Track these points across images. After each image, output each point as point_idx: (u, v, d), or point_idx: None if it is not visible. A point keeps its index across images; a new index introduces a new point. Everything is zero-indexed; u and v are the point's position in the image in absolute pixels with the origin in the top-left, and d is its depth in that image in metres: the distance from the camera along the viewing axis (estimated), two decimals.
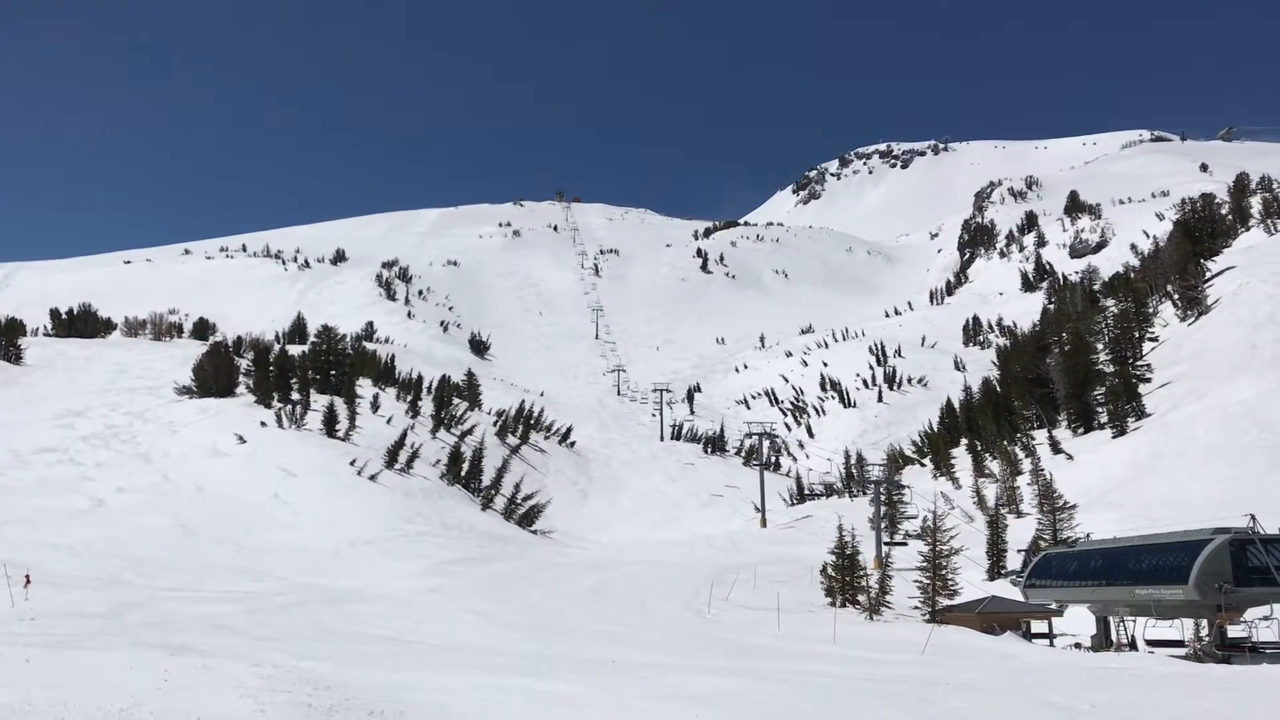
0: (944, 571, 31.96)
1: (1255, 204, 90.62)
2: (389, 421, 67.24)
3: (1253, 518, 25.08)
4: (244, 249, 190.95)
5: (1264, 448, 46.47)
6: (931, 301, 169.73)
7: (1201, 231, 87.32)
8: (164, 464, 54.10)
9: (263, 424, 60.90)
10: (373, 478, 55.64)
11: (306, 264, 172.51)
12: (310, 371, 71.97)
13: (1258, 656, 23.45)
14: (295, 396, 66.33)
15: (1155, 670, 21.02)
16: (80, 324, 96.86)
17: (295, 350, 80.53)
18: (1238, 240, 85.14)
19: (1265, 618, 24.67)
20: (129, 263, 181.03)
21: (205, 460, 54.96)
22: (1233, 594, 23.81)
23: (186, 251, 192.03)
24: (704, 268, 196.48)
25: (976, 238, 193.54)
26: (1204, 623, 24.89)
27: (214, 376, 68.51)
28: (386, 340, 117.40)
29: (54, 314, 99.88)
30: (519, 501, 62.09)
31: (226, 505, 49.21)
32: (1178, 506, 40.54)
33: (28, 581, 30.51)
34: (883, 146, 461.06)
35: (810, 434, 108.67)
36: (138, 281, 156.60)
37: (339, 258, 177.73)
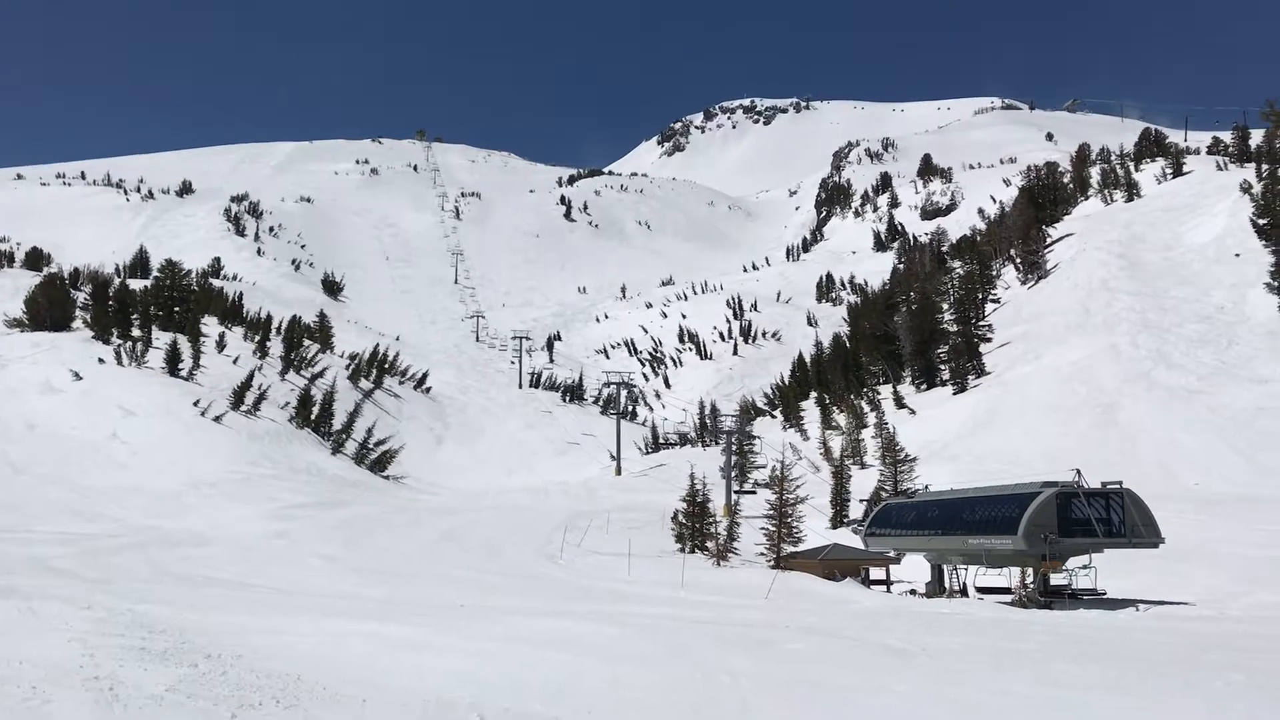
0: (790, 519, 32.82)
1: (1095, 174, 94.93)
2: (236, 361, 65.09)
3: (1078, 472, 26.44)
4: (83, 176, 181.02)
5: (1092, 406, 49.09)
6: (788, 258, 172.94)
7: (1044, 199, 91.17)
8: None
9: (100, 360, 58.22)
10: (218, 419, 53.84)
11: (150, 195, 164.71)
12: (153, 307, 69.03)
13: (1076, 602, 24.87)
14: (136, 333, 63.55)
15: (983, 615, 22.08)
16: None
17: (137, 285, 77.04)
18: (1077, 208, 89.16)
19: (1085, 567, 26.13)
20: None
21: (37, 397, 52.26)
22: (1057, 544, 25.13)
23: (19, 176, 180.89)
24: (567, 215, 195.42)
25: (833, 196, 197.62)
26: (1030, 571, 26.24)
27: (48, 309, 65.03)
28: (235, 277, 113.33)
29: None
30: (371, 446, 61.06)
31: (60, 444, 46.96)
32: (1012, 461, 42.60)
33: None
34: (747, 102, 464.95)
35: (667, 384, 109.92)
36: None
37: (185, 189, 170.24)
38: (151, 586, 21.44)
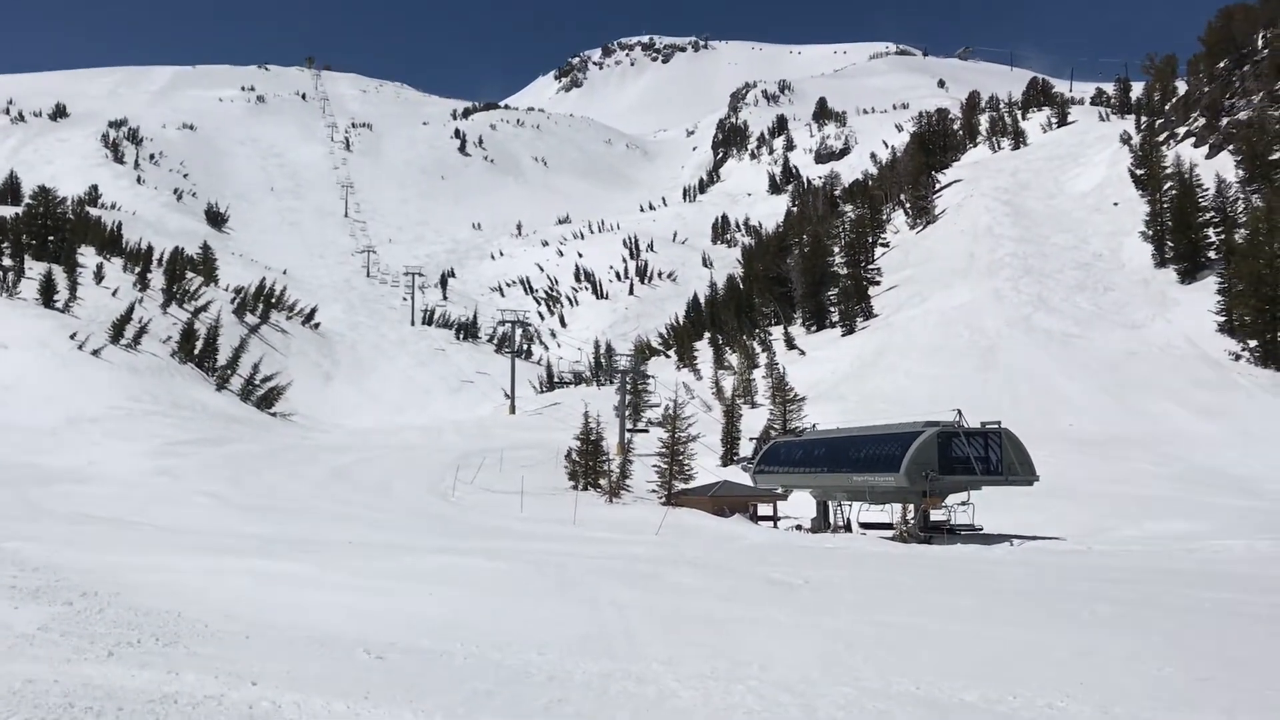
0: (681, 457, 33.26)
1: (984, 122, 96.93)
2: (114, 294, 62.81)
3: (959, 412, 27.28)
4: None
5: (974, 349, 50.59)
6: (685, 198, 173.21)
7: (935, 145, 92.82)
8: None
9: None
10: (96, 353, 52.01)
11: (21, 117, 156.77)
12: (25, 236, 65.99)
13: (954, 537, 25.81)
14: (7, 263, 60.78)
15: (866, 550, 22.77)
16: None
17: (7, 212, 73.46)
18: (966, 155, 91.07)
19: (963, 503, 27.09)
20: None
21: None
22: (937, 481, 25.98)
23: None
24: (462, 149, 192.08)
25: (730, 138, 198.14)
26: (911, 507, 27.11)
27: None
28: (113, 206, 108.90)
29: None
30: (257, 383, 59.78)
31: None
32: (897, 401, 43.73)
33: None
34: (646, 39, 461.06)
35: (563, 323, 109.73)
36: None
37: (59, 113, 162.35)
38: (24, 524, 20.77)
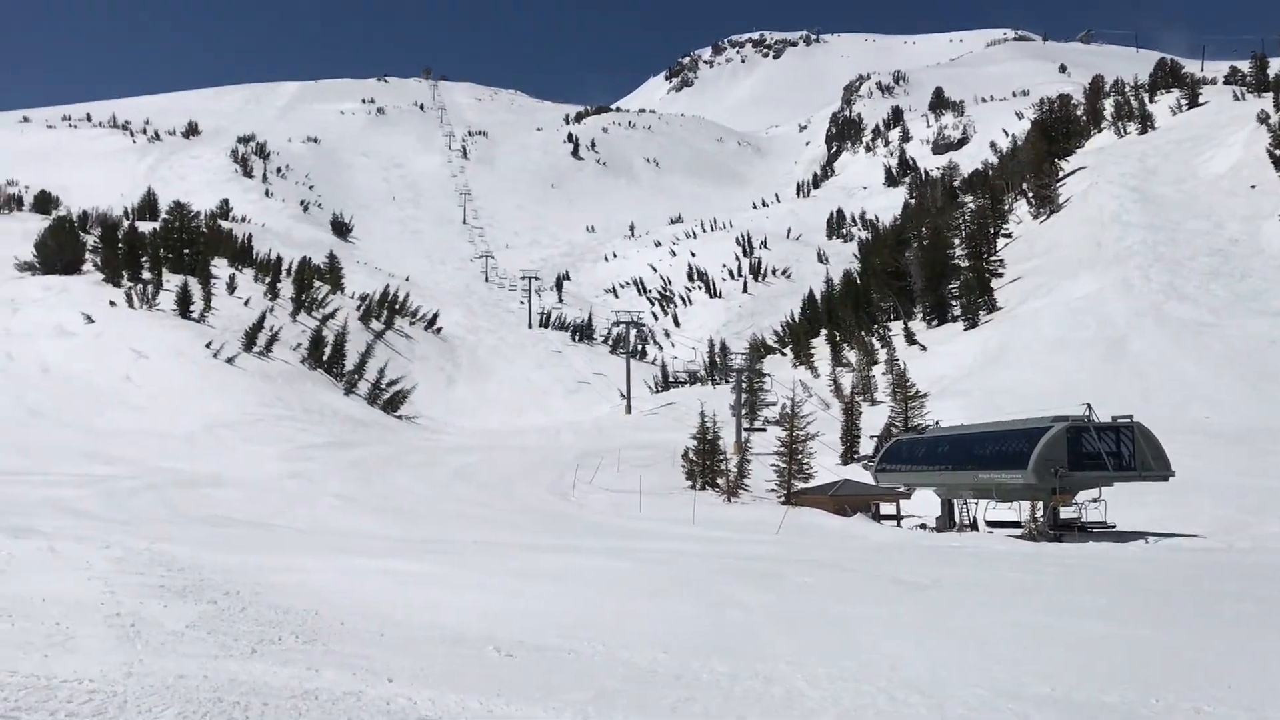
0: (800, 456, 33.01)
1: (1108, 106, 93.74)
2: (246, 303, 65.22)
3: (1089, 406, 26.47)
4: (89, 119, 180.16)
5: (1102, 340, 48.99)
6: (798, 194, 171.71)
7: (1057, 131, 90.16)
8: (5, 343, 51.55)
9: (112, 303, 58.38)
10: (230, 361, 54.09)
11: (157, 136, 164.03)
12: (162, 250, 68.99)
13: (1085, 536, 25.04)
14: (146, 275, 63.59)
15: (993, 549, 22.26)
16: None
17: (146, 227, 76.90)
18: (1090, 141, 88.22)
19: (1095, 500, 26.27)
20: None
21: (50, 340, 52.53)
22: (1067, 478, 25.25)
23: (25, 120, 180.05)
24: (575, 153, 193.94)
25: (844, 131, 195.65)
26: (1040, 505, 26.40)
27: (58, 253, 65.07)
28: (243, 219, 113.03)
29: None
30: (383, 387, 61.34)
31: (74, 387, 47.31)
32: (1022, 396, 42.60)
33: None
34: (756, 35, 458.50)
35: (677, 323, 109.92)
36: None
37: (191, 131, 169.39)
38: (169, 527, 21.72)
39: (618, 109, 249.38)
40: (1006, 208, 77.62)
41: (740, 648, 10.59)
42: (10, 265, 65.28)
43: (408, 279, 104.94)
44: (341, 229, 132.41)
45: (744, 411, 48.67)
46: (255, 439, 43.87)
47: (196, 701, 7.78)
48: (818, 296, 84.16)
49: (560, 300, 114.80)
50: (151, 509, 26.12)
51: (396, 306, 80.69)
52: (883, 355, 58.18)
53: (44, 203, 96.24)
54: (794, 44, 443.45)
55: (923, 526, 30.13)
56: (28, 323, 54.73)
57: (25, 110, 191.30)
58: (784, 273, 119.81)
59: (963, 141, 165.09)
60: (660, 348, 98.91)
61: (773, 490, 33.45)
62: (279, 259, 79.08)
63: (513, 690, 8.49)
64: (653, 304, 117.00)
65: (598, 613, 12.43)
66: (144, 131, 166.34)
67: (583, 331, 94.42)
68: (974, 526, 28.91)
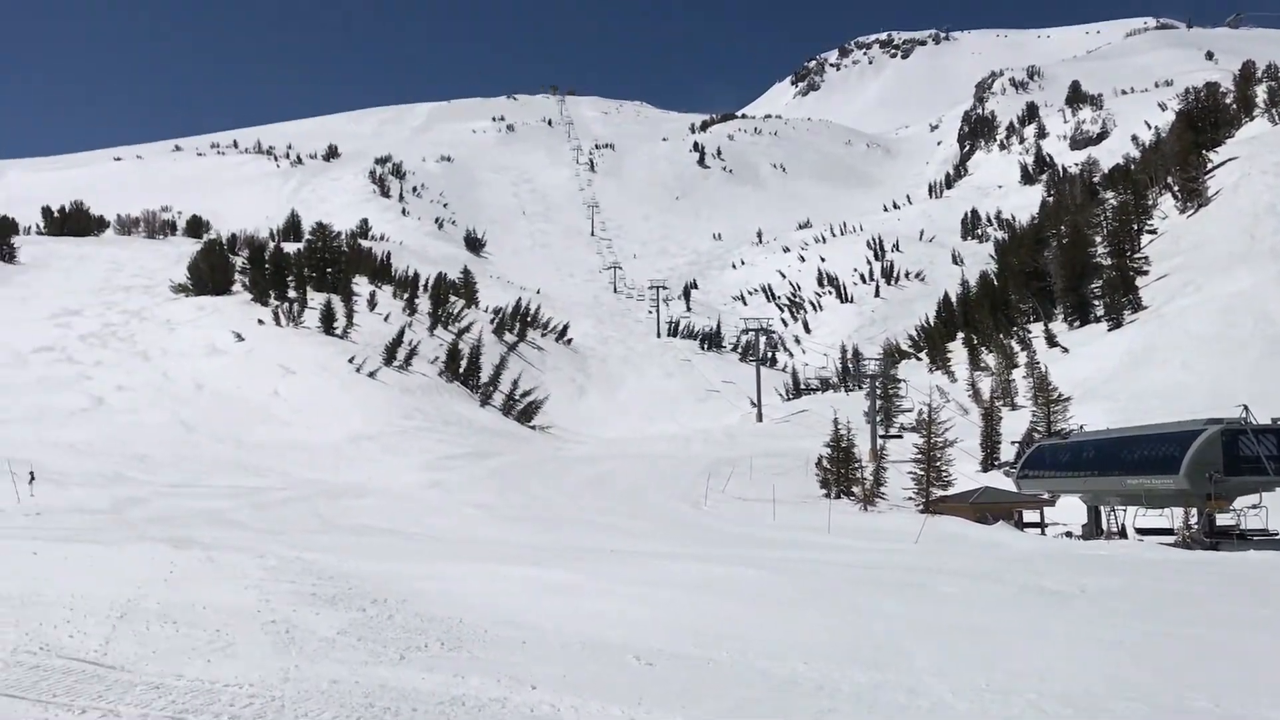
0: (938, 463, 32.32)
1: (1260, 93, 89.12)
2: (386, 319, 67.21)
3: (1245, 408, 25.23)
4: (235, 145, 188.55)
5: (1259, 339, 46.59)
6: (930, 195, 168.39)
7: (1204, 122, 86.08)
8: (162, 362, 54.23)
9: (260, 322, 60.87)
10: (371, 374, 55.81)
11: (299, 160, 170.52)
12: (306, 269, 71.63)
13: (1244, 544, 23.84)
14: (292, 294, 66.13)
15: (1144, 557, 21.39)
16: (73, 222, 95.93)
17: (290, 248, 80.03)
18: (1241, 130, 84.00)
19: (1254, 506, 25.00)
20: (119, 160, 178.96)
21: (203, 358, 55.07)
22: (1223, 483, 24.10)
23: (177, 148, 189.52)
24: (701, 162, 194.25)
25: (976, 130, 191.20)
26: (1193, 511, 25.25)
27: (210, 274, 68.23)
28: (381, 238, 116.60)
29: (46, 212, 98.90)
30: (517, 397, 62.41)
31: (226, 402, 49.47)
32: (1171, 398, 40.80)
33: (32, 478, 30.86)
34: (883, 36, 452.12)
35: (807, 329, 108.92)
36: (128, 179, 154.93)
37: (331, 154, 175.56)
38: (318, 536, 22.51)
39: (743, 116, 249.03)
40: (1150, 203, 74.49)
41: (882, 658, 10.41)
42: (166, 287, 68.72)
43: (538, 291, 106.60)
44: (474, 244, 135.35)
45: (879, 418, 47.90)
46: (396, 450, 45.17)
47: (350, 706, 8.03)
48: (953, 299, 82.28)
49: (688, 309, 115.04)
50: (300, 519, 27.11)
51: (528, 319, 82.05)
52: (1022, 358, 56.51)
53: (196, 227, 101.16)
54: (922, 43, 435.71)
55: (1068, 534, 29.16)
56: (182, 342, 57.49)
57: (177, 139, 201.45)
58: (917, 275, 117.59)
59: (1102, 136, 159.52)
60: (790, 354, 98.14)
61: (910, 498, 32.82)
62: (416, 275, 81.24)
63: (654, 699, 8.52)
64: (782, 310, 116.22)
65: (735, 622, 12.38)
66: (287, 156, 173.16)
67: (711, 340, 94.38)
68: (1122, 534, 27.83)
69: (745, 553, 20.59)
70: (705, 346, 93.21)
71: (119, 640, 10.04)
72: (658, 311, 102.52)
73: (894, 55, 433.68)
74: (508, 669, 9.37)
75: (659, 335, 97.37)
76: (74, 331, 58.21)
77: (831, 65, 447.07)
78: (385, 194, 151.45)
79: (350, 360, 56.61)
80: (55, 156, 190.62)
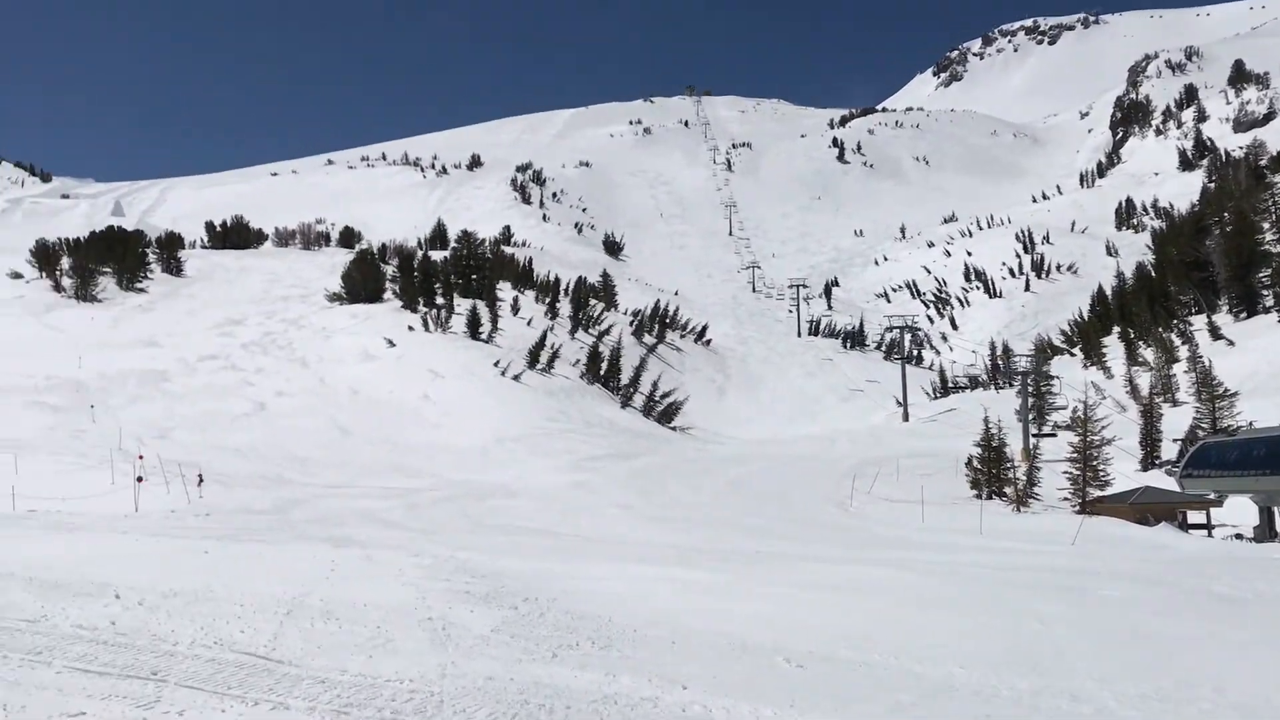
0: (1095, 462, 31.11)
1: None
2: (529, 323, 68.45)
3: None
4: (384, 158, 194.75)
5: None
6: (1081, 184, 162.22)
7: None
8: (319, 368, 56.42)
9: (410, 328, 62.74)
10: (516, 378, 56.93)
11: (444, 170, 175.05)
12: (452, 276, 73.52)
13: None
14: (439, 301, 67.97)
15: None
16: (234, 235, 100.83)
17: (437, 256, 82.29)
18: None
19: None
20: (276, 175, 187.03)
21: (357, 364, 57.07)
22: None
23: (329, 162, 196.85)
24: (840, 158, 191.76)
25: (1130, 115, 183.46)
26: None
27: (362, 283, 70.71)
28: (523, 243, 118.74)
29: (209, 227, 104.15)
30: (657, 399, 62.76)
31: (379, 406, 51.17)
32: None
33: (200, 480, 32.51)
34: (1029, 22, 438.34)
35: (954, 326, 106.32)
36: (285, 193, 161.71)
37: (474, 163, 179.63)
38: (469, 535, 23.05)
39: (883, 109, 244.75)
40: None
41: (1041, 663, 10.07)
42: (322, 296, 71.49)
43: (676, 293, 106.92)
44: (613, 248, 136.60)
45: (1031, 416, 46.42)
46: (540, 451, 45.96)
47: (505, 703, 8.19)
48: (1108, 292, 79.12)
49: (829, 307, 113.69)
50: (451, 519, 27.82)
51: (667, 320, 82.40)
52: (1183, 352, 53.94)
53: (348, 238, 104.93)
54: (1070, 28, 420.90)
55: (1238, 536, 27.70)
56: (338, 349, 59.70)
57: (330, 154, 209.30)
58: (1069, 268, 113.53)
59: (1269, 117, 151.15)
60: (937, 352, 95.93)
61: (1065, 499, 31.70)
62: (557, 280, 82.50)
63: (806, 701, 8.44)
64: (927, 307, 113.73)
65: (886, 625, 12.16)
66: (433, 166, 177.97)
67: (854, 338, 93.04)
68: None
69: (894, 555, 20.22)
70: (848, 345, 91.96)
71: (286, 636, 10.47)
72: (798, 310, 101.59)
73: (1040, 41, 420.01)
74: (658, 669, 9.41)
75: (800, 334, 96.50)
76: (237, 340, 61.08)
77: (975, 55, 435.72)
78: (526, 201, 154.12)
79: (495, 364, 57.85)
80: (217, 174, 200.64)
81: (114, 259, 75.05)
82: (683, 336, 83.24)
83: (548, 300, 75.91)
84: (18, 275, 74.15)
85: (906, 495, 34.59)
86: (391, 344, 59.73)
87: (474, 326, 62.65)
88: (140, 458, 35.12)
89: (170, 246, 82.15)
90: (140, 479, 30.81)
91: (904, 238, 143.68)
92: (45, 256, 75.25)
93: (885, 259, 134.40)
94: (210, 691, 8.46)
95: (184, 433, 43.96)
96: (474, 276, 74.78)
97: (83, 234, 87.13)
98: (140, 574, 14.06)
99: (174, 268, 78.57)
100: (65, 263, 73.84)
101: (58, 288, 71.08)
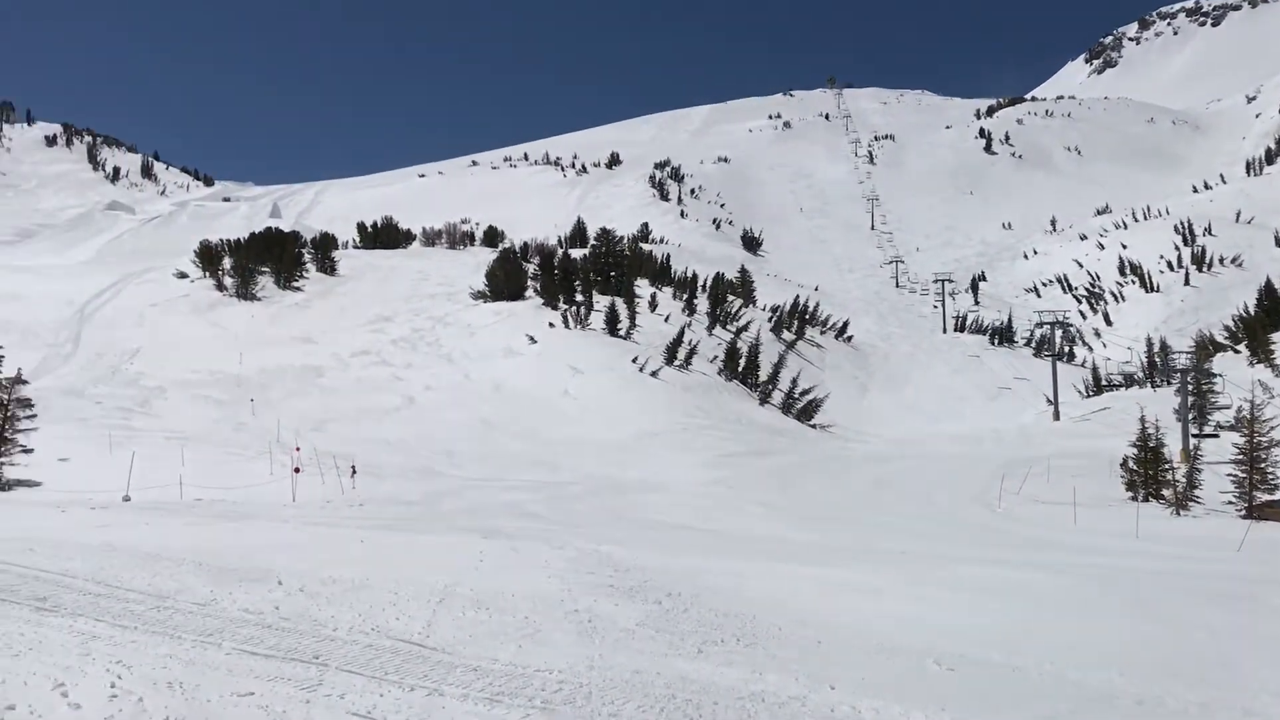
0: (1263, 464, 29.53)
1: None
2: (666, 320, 68.68)
3: None
4: (525, 157, 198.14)
5: None
6: (1248, 172, 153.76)
7: None
8: (465, 364, 57.83)
9: (550, 325, 63.71)
10: (654, 374, 57.22)
11: (583, 169, 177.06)
12: (591, 273, 74.31)
13: None
14: (579, 298, 68.81)
15: None
16: (383, 236, 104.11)
17: (577, 253, 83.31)
18: None
19: None
20: (423, 176, 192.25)
21: (501, 360, 58.28)
22: None
23: (474, 163, 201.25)
24: (987, 148, 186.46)
25: None
26: None
27: (505, 281, 72.14)
28: (661, 240, 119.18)
29: (360, 227, 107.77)
30: (797, 396, 62.19)
31: (521, 401, 52.15)
32: None
33: (354, 472, 33.71)
34: (1189, 3, 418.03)
35: (1108, 322, 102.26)
36: (432, 193, 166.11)
37: (613, 161, 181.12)
38: (610, 530, 23.28)
39: (1032, 98, 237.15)
40: None
41: (1209, 674, 9.62)
42: (467, 294, 73.25)
43: (816, 288, 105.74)
44: (751, 243, 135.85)
45: (1191, 416, 44.37)
46: (679, 447, 46.09)
47: (653, 697, 8.26)
48: (1277, 286, 75.00)
49: (976, 302, 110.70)
50: (592, 512, 28.17)
51: (806, 316, 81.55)
52: None
53: (491, 237, 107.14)
54: (1236, 7, 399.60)
55: None
56: (482, 345, 61.07)
57: (474, 155, 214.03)
58: (1233, 261, 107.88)
59: None
60: (1089, 349, 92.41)
61: (1230, 503, 30.19)
62: (694, 276, 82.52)
63: (958, 706, 8.26)
64: (1079, 302, 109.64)
65: (1040, 629, 11.80)
66: (572, 165, 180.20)
67: (1002, 334, 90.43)
68: None
69: (1046, 557, 19.59)
70: (995, 341, 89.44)
71: (439, 624, 10.77)
72: (943, 306, 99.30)
73: (1202, 23, 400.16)
74: (804, 668, 9.35)
75: (945, 330, 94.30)
76: (387, 336, 63.10)
77: (1130, 39, 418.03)
78: (664, 197, 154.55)
79: (633, 360, 58.26)
80: (367, 176, 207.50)
81: (272, 259, 78.37)
82: (823, 333, 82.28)
83: (685, 296, 76.01)
84: (183, 275, 78.10)
85: (1057, 497, 33.49)
86: (533, 340, 60.77)
87: (612, 323, 63.22)
88: (297, 450, 36.66)
89: (324, 247, 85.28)
90: (297, 470, 32.16)
91: (1054, 230, 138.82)
92: (208, 257, 79.05)
93: (1035, 253, 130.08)
94: (369, 676, 8.77)
95: (337, 426, 45.65)
96: (612, 274, 75.41)
97: (243, 235, 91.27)
98: (300, 561, 14.67)
99: (328, 267, 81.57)
100: (227, 262, 77.41)
101: (220, 286, 74.60)
